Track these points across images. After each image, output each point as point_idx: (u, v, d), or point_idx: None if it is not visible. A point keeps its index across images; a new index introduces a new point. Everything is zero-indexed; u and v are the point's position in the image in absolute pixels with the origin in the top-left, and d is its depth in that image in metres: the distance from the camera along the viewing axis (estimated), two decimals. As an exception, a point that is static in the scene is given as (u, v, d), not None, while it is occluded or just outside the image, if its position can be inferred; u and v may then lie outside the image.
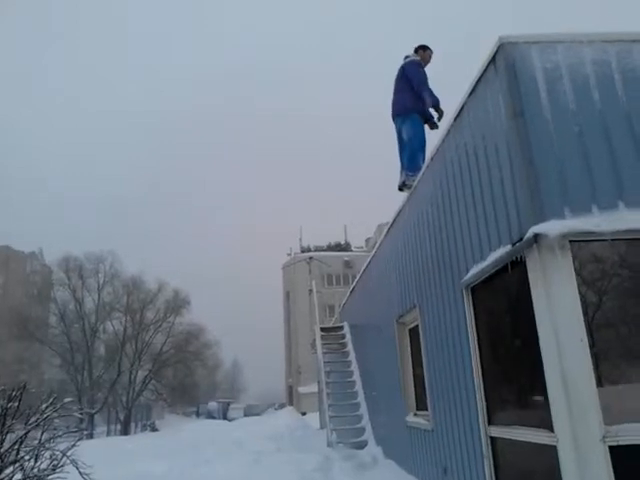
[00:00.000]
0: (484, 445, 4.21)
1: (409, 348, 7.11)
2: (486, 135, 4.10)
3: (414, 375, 6.92)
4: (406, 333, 7.20)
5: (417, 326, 6.33)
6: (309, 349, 19.62)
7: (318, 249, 50.84)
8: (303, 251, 49.64)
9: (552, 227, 3.22)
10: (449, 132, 4.98)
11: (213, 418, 42.31)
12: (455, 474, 4.99)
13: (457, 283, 4.75)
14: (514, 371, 3.88)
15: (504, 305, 4.11)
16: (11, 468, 3.61)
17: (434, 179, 5.50)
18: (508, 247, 3.64)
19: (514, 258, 3.54)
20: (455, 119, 4.78)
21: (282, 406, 43.33)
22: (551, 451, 3.13)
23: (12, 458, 3.63)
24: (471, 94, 4.36)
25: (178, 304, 41.97)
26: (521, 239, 3.43)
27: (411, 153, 7.04)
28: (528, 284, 3.38)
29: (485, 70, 4.03)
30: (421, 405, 6.54)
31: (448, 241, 5.08)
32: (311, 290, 15.46)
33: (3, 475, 3.51)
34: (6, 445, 3.60)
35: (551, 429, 3.13)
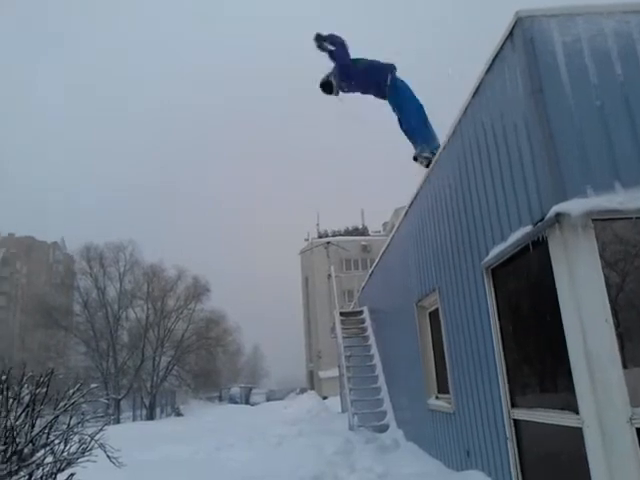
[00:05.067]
0: (507, 427, 4.19)
1: (429, 331, 7.09)
2: (504, 113, 4.02)
3: (435, 358, 6.91)
4: (426, 316, 7.17)
5: (437, 309, 6.30)
6: (329, 334, 19.71)
7: (336, 234, 50.75)
8: (320, 236, 49.60)
9: (574, 206, 3.15)
10: (466, 110, 4.88)
11: (236, 403, 42.88)
12: (478, 456, 4.99)
13: (477, 265, 4.70)
14: (537, 353, 3.84)
15: (526, 286, 4.06)
16: (42, 451, 3.71)
17: (451, 159, 5.42)
18: (529, 227, 3.58)
19: (535, 238, 3.49)
20: (472, 97, 4.69)
21: (303, 391, 43.70)
22: (576, 433, 3.09)
23: (43, 442, 3.73)
24: (488, 71, 4.27)
25: (198, 291, 42.33)
26: (542, 219, 3.36)
27: (414, 126, 6.92)
28: (550, 265, 3.32)
29: (502, 46, 3.94)
30: (442, 388, 6.54)
31: (467, 222, 5.02)
32: (330, 275, 15.47)
33: (35, 458, 3.61)
34: (37, 429, 3.69)
35: (576, 411, 3.10)
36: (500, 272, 4.34)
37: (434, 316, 6.72)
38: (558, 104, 3.44)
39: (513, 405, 4.16)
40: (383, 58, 7.41)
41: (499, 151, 4.16)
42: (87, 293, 40.53)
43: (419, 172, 7.02)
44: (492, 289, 4.47)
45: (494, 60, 4.11)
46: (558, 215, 3.18)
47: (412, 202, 7.25)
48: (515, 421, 4.13)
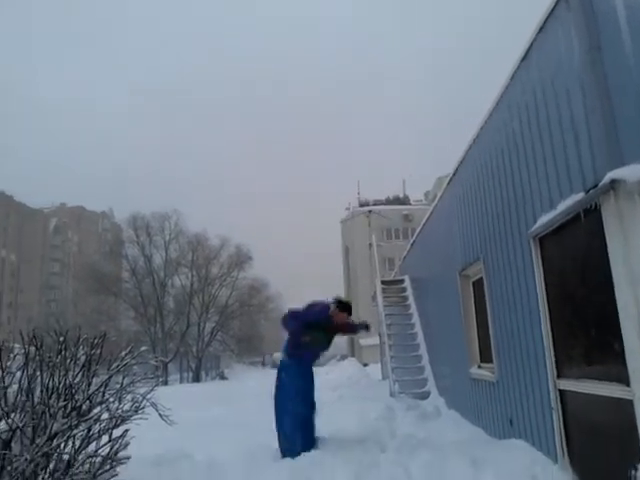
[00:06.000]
0: (552, 398, 4.14)
1: (473, 301, 7.01)
2: (556, 74, 3.83)
3: (478, 327, 6.85)
4: (469, 286, 7.08)
5: (481, 279, 6.21)
6: (369, 302, 19.79)
7: (377, 203, 50.35)
8: (362, 205, 49.36)
9: (632, 172, 3.00)
10: (515, 73, 4.68)
11: (278, 368, 44.00)
12: (521, 426, 4.96)
13: (524, 234, 4.58)
14: (586, 324, 3.73)
15: (575, 256, 3.92)
16: (98, 408, 3.93)
17: (498, 125, 5.24)
18: (581, 194, 3.44)
19: (588, 206, 3.35)
20: (521, 61, 4.48)
21: (344, 357, 44.33)
22: (626, 405, 3.02)
23: (99, 399, 3.94)
24: (540, 31, 4.06)
25: (241, 259, 43.25)
26: (596, 186, 3.22)
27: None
28: (603, 234, 3.19)
29: (555, 5, 3.72)
30: (485, 357, 6.49)
31: (514, 190, 4.87)
32: (371, 244, 15.45)
33: (92, 414, 3.83)
34: (93, 388, 3.91)
35: (627, 383, 3.02)
36: (548, 241, 4.21)
37: (478, 285, 6.63)
38: (617, 62, 3.24)
39: (559, 375, 4.09)
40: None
41: (549, 114, 3.99)
42: (134, 261, 42.05)
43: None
44: (539, 258, 4.35)
45: (546, 20, 3.90)
46: (613, 182, 3.03)
47: (456, 170, 7.09)
48: (561, 391, 4.07)
